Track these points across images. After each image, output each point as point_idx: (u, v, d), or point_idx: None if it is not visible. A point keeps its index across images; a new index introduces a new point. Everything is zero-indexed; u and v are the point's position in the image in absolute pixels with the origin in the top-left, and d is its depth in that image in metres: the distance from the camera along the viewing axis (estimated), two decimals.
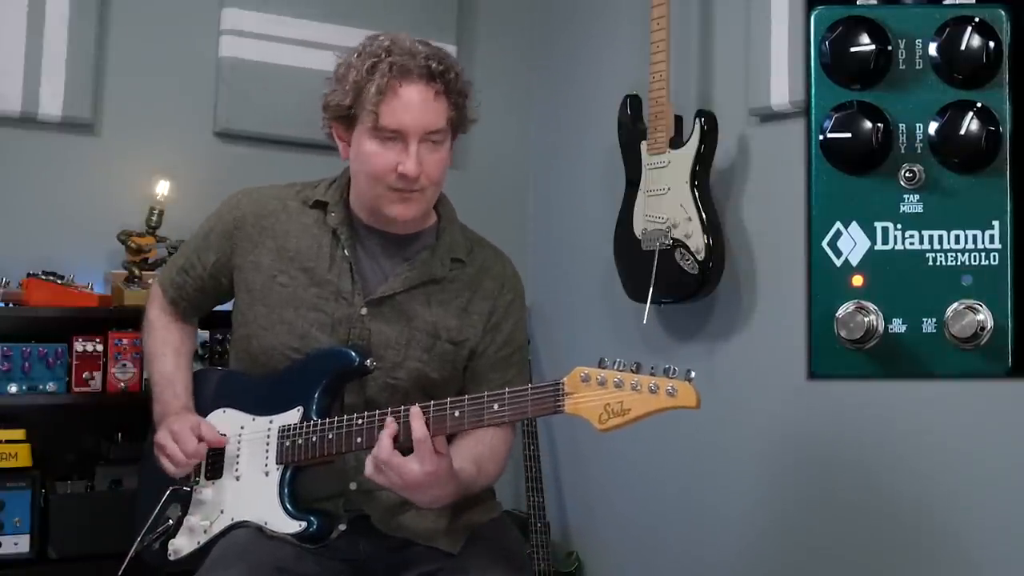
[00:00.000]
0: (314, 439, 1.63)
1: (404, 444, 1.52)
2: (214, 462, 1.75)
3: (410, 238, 1.77)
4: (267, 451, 1.69)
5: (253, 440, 1.72)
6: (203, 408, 1.80)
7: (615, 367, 1.41)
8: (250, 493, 1.70)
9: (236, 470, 1.73)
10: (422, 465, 1.49)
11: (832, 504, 2.20)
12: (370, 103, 1.62)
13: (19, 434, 2.37)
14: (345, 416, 1.62)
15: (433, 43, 1.73)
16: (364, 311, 1.71)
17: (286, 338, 1.71)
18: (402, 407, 1.55)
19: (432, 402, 1.54)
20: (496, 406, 1.49)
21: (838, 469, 2.20)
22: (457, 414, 1.51)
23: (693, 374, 1.37)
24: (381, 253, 1.76)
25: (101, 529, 2.31)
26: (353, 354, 1.66)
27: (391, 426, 1.52)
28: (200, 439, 1.71)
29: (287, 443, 1.67)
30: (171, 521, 1.75)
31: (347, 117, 1.68)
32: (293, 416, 1.68)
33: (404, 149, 1.64)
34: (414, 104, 1.64)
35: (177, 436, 1.71)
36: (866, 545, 2.11)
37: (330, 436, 1.62)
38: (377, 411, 1.58)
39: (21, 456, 2.36)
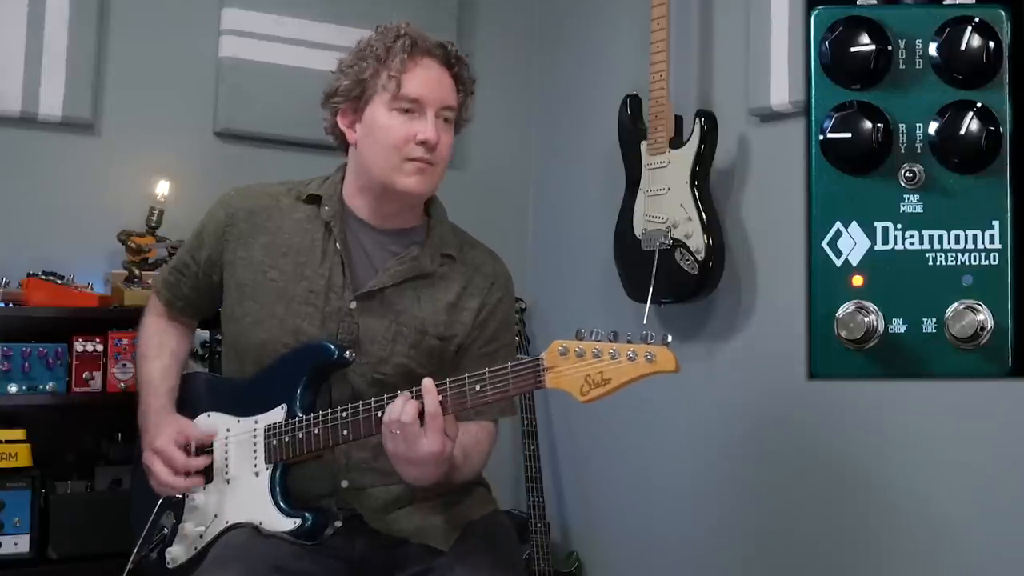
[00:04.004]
0: (300, 435, 1.64)
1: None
2: (204, 468, 1.75)
3: (401, 233, 1.78)
4: (255, 451, 1.69)
5: (240, 442, 1.72)
6: (187, 413, 1.80)
7: (593, 338, 1.41)
8: (242, 495, 1.70)
9: (226, 473, 1.73)
10: (431, 444, 1.49)
11: (832, 504, 2.20)
12: (393, 71, 1.66)
13: (19, 434, 2.38)
14: (329, 410, 1.62)
15: None
16: (353, 305, 1.71)
17: (277, 333, 1.71)
18: (385, 396, 1.56)
19: (412, 388, 1.54)
20: (478, 387, 1.50)
21: (838, 469, 2.20)
22: (440, 398, 1.52)
23: (670, 338, 1.38)
24: (372, 248, 1.76)
25: (101, 529, 2.31)
26: (331, 347, 1.67)
27: (416, 401, 1.52)
28: (186, 448, 1.71)
29: (274, 442, 1.67)
30: (166, 530, 1.75)
31: (360, 96, 1.70)
32: (278, 414, 1.68)
33: (422, 119, 1.68)
34: (433, 77, 1.70)
35: (162, 454, 1.70)
36: (866, 544, 2.11)
37: (316, 431, 1.62)
38: (360, 402, 1.59)
39: (21, 456, 2.36)
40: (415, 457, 1.50)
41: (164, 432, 1.73)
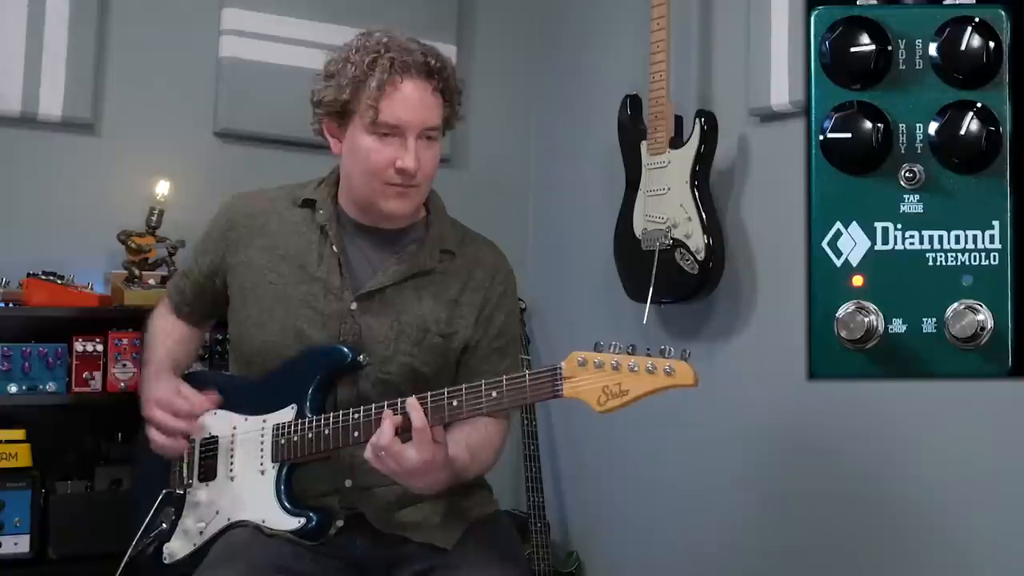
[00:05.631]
0: (310, 435, 1.64)
1: (403, 434, 1.53)
2: (207, 464, 1.75)
3: (399, 232, 1.78)
4: (261, 450, 1.69)
5: (246, 440, 1.72)
6: None
7: (611, 350, 1.43)
8: (246, 493, 1.70)
9: (230, 471, 1.73)
10: (420, 453, 1.50)
11: (833, 504, 2.20)
12: (370, 98, 1.63)
13: (19, 434, 2.38)
14: (340, 411, 1.62)
15: (432, 43, 1.74)
16: (354, 306, 1.71)
17: (278, 335, 1.72)
18: (399, 400, 1.55)
19: (430, 392, 1.54)
20: (494, 393, 1.50)
21: (838, 469, 2.20)
22: (455, 403, 1.52)
23: (689, 352, 1.39)
24: (370, 248, 1.76)
25: (101, 529, 2.31)
26: (346, 350, 1.67)
27: (394, 416, 1.53)
28: (186, 399, 1.73)
29: (282, 441, 1.67)
30: (164, 525, 1.75)
31: (342, 113, 1.68)
32: (287, 414, 1.68)
33: (402, 145, 1.65)
34: (413, 100, 1.65)
35: (162, 402, 1.72)
36: (866, 545, 2.11)
37: (326, 432, 1.63)
38: (373, 405, 1.59)
39: (21, 456, 2.36)
40: (411, 469, 1.51)
41: (163, 386, 1.75)
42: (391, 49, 1.65)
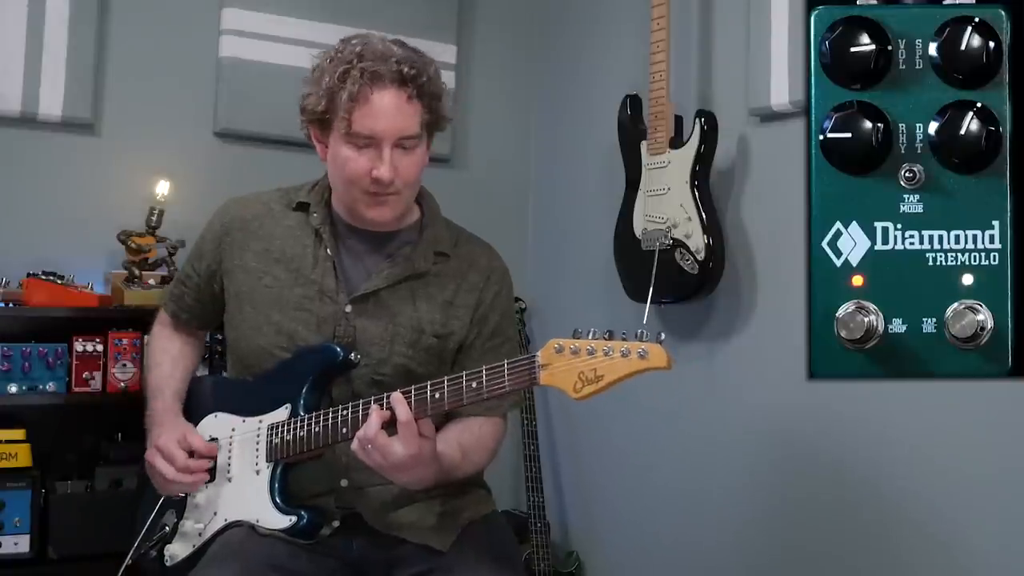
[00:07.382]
0: (301, 433, 1.65)
1: (390, 428, 1.54)
2: (207, 468, 1.76)
3: (393, 235, 1.78)
4: (257, 450, 1.70)
5: (244, 441, 1.73)
6: (196, 414, 1.82)
7: (588, 336, 1.42)
8: (242, 493, 1.71)
9: (228, 472, 1.74)
10: (406, 447, 1.51)
11: (832, 504, 2.20)
12: (343, 109, 1.63)
13: (19, 434, 2.38)
14: (330, 409, 1.63)
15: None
16: (348, 308, 1.72)
17: (274, 338, 1.72)
18: (384, 395, 1.56)
19: (413, 386, 1.55)
20: (474, 383, 1.50)
21: (838, 469, 2.20)
22: (437, 395, 1.52)
23: (663, 336, 1.39)
24: (364, 251, 1.77)
25: (101, 529, 2.31)
26: (337, 349, 1.68)
27: (381, 411, 1.53)
28: (190, 451, 1.71)
29: (276, 440, 1.68)
30: (167, 528, 1.76)
31: (322, 121, 1.69)
32: (282, 414, 1.69)
33: (378, 155, 1.65)
34: (386, 110, 1.63)
35: (164, 451, 1.71)
36: (865, 544, 2.11)
37: (316, 429, 1.63)
38: (361, 400, 1.60)
39: (21, 456, 2.36)
40: (396, 463, 1.52)
41: (167, 432, 1.74)
42: (364, 58, 1.63)
